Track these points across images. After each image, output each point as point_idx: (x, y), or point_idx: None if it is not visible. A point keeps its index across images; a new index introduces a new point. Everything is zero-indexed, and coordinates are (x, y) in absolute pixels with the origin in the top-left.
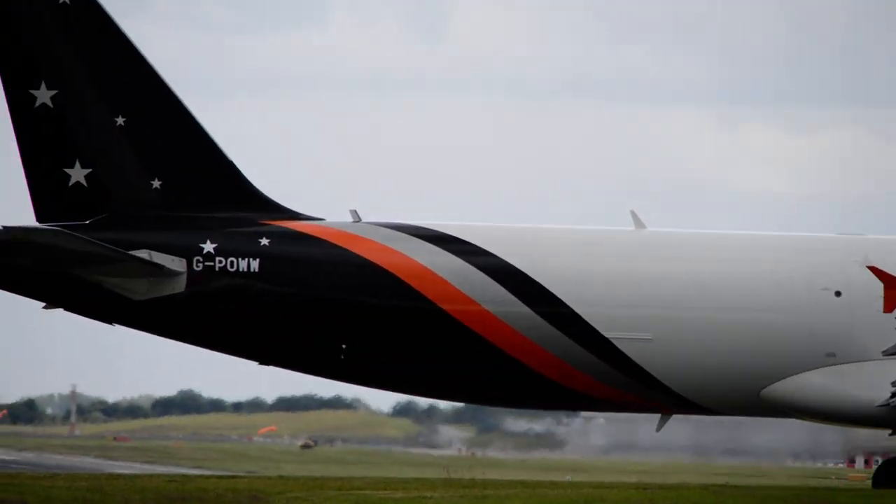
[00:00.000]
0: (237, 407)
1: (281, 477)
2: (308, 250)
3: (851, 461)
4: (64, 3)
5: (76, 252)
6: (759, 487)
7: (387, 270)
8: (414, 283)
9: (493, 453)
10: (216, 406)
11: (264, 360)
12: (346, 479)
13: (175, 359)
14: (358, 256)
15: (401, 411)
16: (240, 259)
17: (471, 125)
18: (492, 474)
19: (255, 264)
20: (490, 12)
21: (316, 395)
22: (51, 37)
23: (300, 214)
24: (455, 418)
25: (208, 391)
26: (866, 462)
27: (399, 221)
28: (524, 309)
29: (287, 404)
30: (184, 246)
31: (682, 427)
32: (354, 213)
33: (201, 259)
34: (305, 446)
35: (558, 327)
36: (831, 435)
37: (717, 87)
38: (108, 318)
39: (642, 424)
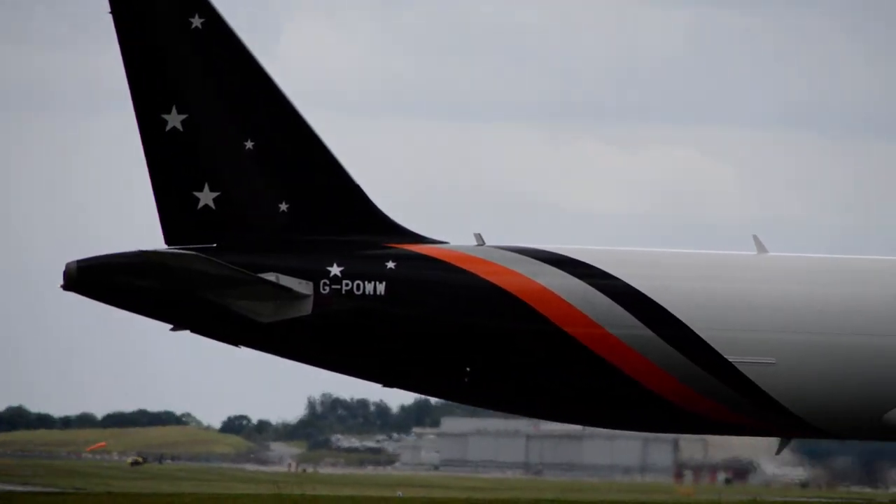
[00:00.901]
0: (66, 423)
1: (110, 494)
2: (434, 273)
3: (680, 475)
4: (196, 27)
5: (210, 275)
6: (588, 502)
7: (511, 294)
8: (538, 307)
9: (324, 469)
10: (44, 422)
11: (388, 383)
12: (176, 496)
13: (2, 374)
14: (483, 280)
15: (231, 428)
16: (366, 282)
17: None
18: (322, 490)
19: (381, 287)
20: (321, 32)
21: (147, 410)
22: (183, 61)
23: (424, 237)
24: (286, 435)
25: (36, 406)
26: (694, 477)
27: (522, 245)
28: (647, 332)
29: (117, 420)
30: (311, 269)
31: (514, 444)
32: (479, 236)
33: (328, 282)
34: (135, 463)
35: (681, 350)
36: (660, 451)
37: (545, 105)
38: (234, 340)
39: (473, 440)
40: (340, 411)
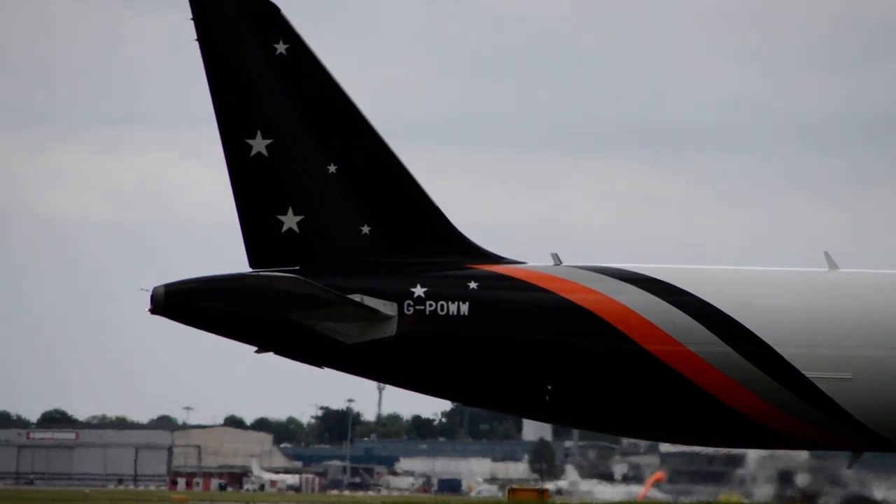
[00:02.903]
0: None
1: None
2: (515, 293)
3: (174, 483)
4: (281, 53)
5: (304, 297)
6: None
7: (591, 312)
8: (618, 325)
9: None
10: None
11: (470, 402)
12: None
13: None
14: (563, 299)
15: None
16: (450, 303)
17: None
18: None
19: (464, 308)
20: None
21: None
22: (267, 87)
23: (503, 258)
24: None
25: None
26: (187, 483)
27: (598, 264)
28: (726, 349)
29: None
30: (395, 290)
31: (5, 453)
32: (556, 256)
33: (412, 303)
34: None
35: (760, 367)
36: (154, 459)
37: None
38: (320, 362)
39: None
40: None
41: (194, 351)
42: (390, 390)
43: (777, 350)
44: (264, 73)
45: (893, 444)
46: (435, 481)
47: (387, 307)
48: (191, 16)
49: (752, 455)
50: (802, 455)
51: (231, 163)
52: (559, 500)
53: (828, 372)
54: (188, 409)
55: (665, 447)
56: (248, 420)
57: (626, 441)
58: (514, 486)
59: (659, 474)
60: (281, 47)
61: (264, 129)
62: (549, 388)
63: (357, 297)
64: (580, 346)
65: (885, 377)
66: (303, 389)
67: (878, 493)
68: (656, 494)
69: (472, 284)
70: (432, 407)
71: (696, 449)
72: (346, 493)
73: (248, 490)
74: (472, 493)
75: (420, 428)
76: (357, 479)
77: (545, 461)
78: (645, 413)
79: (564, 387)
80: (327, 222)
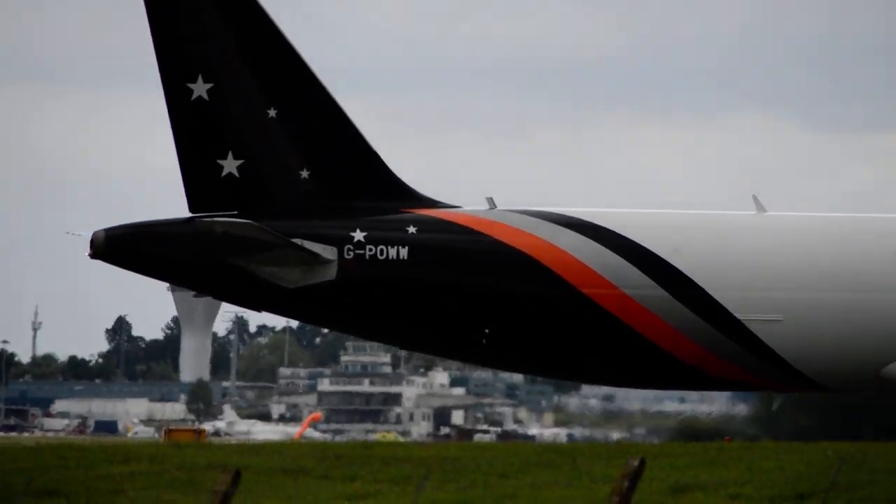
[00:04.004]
0: None
1: None
2: (454, 238)
3: None
4: None
5: (261, 243)
6: None
7: (530, 256)
8: (556, 269)
9: None
10: None
11: (407, 346)
12: None
13: None
14: (501, 243)
15: None
16: (389, 247)
17: None
18: None
19: (404, 252)
20: None
21: None
22: (209, 31)
23: (438, 202)
24: None
25: None
26: None
27: (533, 208)
28: (662, 292)
29: None
30: (335, 235)
31: None
32: (490, 200)
33: (352, 247)
34: None
35: (694, 310)
36: None
37: None
38: (259, 307)
39: None
40: None
41: None
42: (45, 330)
43: (710, 293)
44: (206, 17)
45: (818, 384)
46: (91, 423)
47: (327, 251)
48: None
49: (409, 393)
50: (458, 392)
51: (172, 107)
52: (217, 441)
53: (759, 314)
54: None
55: (323, 386)
56: None
57: (283, 381)
58: (171, 426)
59: (316, 414)
60: None
61: (205, 73)
62: (487, 332)
63: (297, 242)
64: (518, 291)
65: (814, 319)
66: None
67: (532, 430)
68: (313, 434)
69: (411, 229)
70: (88, 348)
71: (354, 388)
72: (1, 434)
73: None
74: (129, 434)
75: (76, 369)
76: (11, 422)
77: (202, 402)
78: (582, 357)
79: (502, 331)
80: (267, 167)
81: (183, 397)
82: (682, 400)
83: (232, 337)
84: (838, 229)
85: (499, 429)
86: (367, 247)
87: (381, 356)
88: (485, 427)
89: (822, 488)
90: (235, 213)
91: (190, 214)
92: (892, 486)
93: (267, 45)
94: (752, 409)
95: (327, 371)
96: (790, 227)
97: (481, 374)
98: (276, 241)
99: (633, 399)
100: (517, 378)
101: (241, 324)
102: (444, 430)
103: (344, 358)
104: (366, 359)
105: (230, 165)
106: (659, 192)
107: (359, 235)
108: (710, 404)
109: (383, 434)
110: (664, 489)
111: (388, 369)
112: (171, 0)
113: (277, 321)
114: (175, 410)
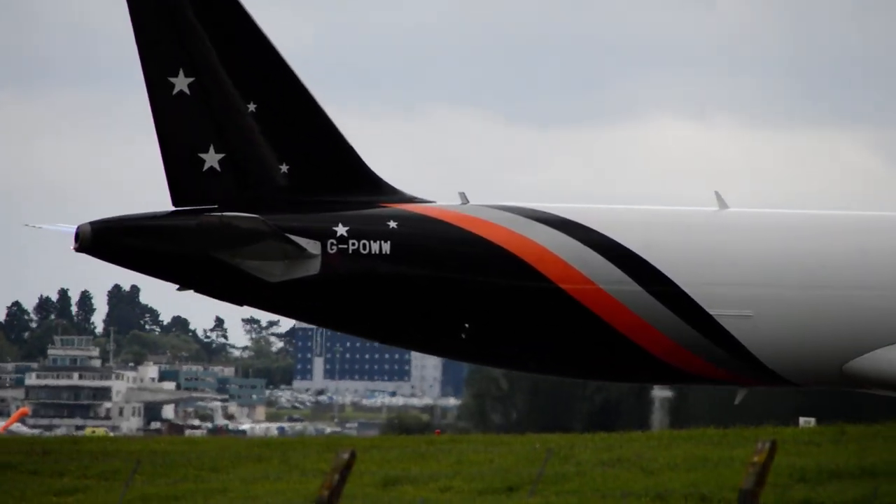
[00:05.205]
0: None
1: None
2: (434, 232)
3: None
4: None
5: (251, 233)
6: None
7: (509, 252)
8: (535, 264)
9: None
10: None
11: (389, 341)
12: None
13: None
14: (480, 238)
15: None
16: (372, 242)
17: None
18: None
19: (386, 247)
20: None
21: None
22: (190, 26)
23: (413, 197)
24: None
25: None
26: None
27: (507, 203)
28: (636, 287)
29: None
30: (318, 229)
31: None
32: (463, 195)
33: (335, 242)
34: None
35: (667, 305)
36: None
37: None
38: (242, 300)
39: None
40: None
41: None
42: None
43: (683, 288)
44: (187, 12)
45: (785, 380)
46: None
47: (311, 246)
48: None
49: (118, 387)
50: (168, 387)
51: (154, 101)
52: None
53: (730, 309)
54: None
55: (30, 380)
56: None
57: None
58: None
59: (24, 409)
60: None
61: (187, 67)
62: (467, 326)
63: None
64: (497, 285)
65: (782, 314)
66: None
67: (244, 425)
68: (21, 429)
69: (392, 224)
70: None
71: (62, 382)
72: None
73: None
74: None
75: None
76: None
77: None
78: (557, 350)
79: (481, 325)
80: (248, 161)
81: None
82: (394, 394)
83: None
84: (805, 225)
85: (210, 424)
86: (350, 241)
87: (90, 350)
88: (195, 423)
89: (530, 480)
90: (216, 206)
91: (173, 208)
92: (599, 477)
93: (246, 40)
94: (461, 401)
95: (34, 365)
96: (757, 224)
97: (191, 368)
98: (274, 232)
99: (345, 392)
100: (228, 372)
101: None
102: (155, 425)
103: (51, 352)
104: (74, 352)
105: (212, 159)
106: None
107: (342, 230)
108: (421, 398)
109: (93, 429)
110: (375, 482)
111: (97, 363)
112: None
113: None
114: None
